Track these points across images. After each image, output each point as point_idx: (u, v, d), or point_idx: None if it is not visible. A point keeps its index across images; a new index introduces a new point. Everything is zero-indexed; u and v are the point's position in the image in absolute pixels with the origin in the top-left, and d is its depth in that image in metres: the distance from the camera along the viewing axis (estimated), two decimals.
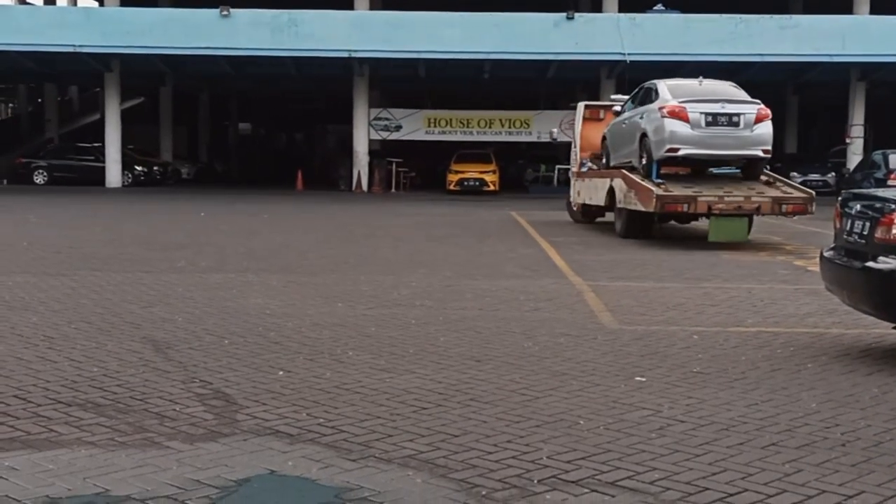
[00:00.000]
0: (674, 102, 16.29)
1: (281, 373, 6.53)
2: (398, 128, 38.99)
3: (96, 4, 45.92)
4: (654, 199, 15.66)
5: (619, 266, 13.11)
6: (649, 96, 17.26)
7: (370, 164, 37.46)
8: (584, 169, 20.31)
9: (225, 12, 34.06)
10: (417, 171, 40.58)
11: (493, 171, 37.28)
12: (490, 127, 39.35)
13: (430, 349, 7.35)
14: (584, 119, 21.17)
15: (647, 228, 17.14)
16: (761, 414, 5.63)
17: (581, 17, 34.80)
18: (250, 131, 58.22)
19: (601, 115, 20.84)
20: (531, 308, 9.42)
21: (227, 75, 40.77)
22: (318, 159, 50.60)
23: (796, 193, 16.62)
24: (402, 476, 4.51)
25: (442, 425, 5.33)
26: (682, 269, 12.78)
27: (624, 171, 17.24)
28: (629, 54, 33.61)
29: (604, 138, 19.57)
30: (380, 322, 8.48)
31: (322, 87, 44.23)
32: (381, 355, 7.11)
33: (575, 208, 21.28)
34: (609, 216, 19.03)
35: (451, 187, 36.55)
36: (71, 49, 34.55)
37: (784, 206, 16.17)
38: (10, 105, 61.25)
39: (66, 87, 53.07)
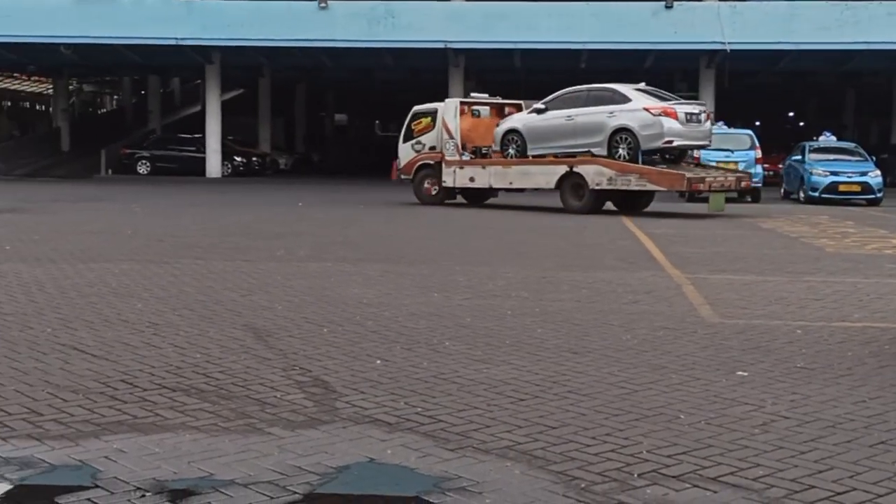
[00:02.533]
0: (662, 104, 20.20)
1: (378, 362, 6.58)
2: None
3: None
4: (686, 181, 20.05)
5: (718, 259, 12.88)
6: (610, 99, 20.61)
7: None
8: (465, 157, 23.10)
9: (323, 4, 34.42)
10: None
11: None
12: None
13: (527, 340, 7.32)
14: (461, 114, 23.40)
15: (600, 205, 21.05)
16: (869, 411, 5.47)
17: (680, 6, 34.23)
18: (346, 122, 58.82)
19: (479, 113, 23.81)
20: (629, 300, 9.31)
21: (325, 66, 41.24)
22: None
23: (740, 173, 22.46)
24: (500, 467, 4.49)
25: (540, 417, 5.30)
26: (785, 263, 12.51)
27: (602, 159, 20.40)
28: (730, 43, 32.99)
29: (511, 132, 22.00)
30: (476, 313, 8.48)
31: (417, 78, 44.41)
32: (478, 346, 7.11)
33: (431, 191, 23.56)
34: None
35: None
36: (173, 42, 35.33)
37: (742, 183, 21.65)
38: (115, 97, 62.92)
39: (168, 80, 54.33)
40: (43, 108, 56.92)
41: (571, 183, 20.97)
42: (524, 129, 21.87)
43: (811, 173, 26.76)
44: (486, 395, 5.75)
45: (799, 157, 28.19)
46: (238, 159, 40.19)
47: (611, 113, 20.35)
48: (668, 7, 33.84)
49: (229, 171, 39.21)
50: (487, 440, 4.88)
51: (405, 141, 24.35)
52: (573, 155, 20.98)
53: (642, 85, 21.68)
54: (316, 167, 47.35)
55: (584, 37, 33.86)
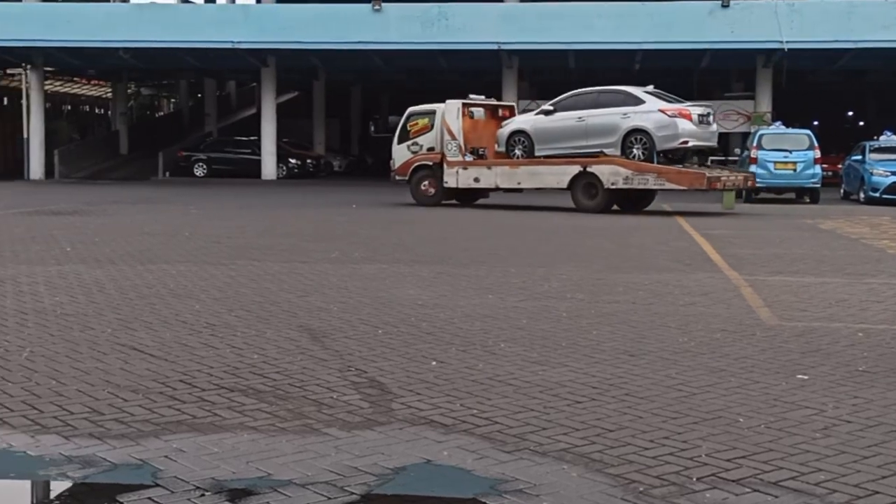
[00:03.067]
0: (677, 106, 21.10)
1: (434, 363, 6.58)
2: None
3: (254, 1, 47.26)
4: (706, 179, 20.72)
5: (776, 260, 12.71)
6: (622, 101, 21.30)
7: None
8: (467, 158, 23.31)
9: (377, 7, 34.56)
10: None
11: None
12: None
13: (583, 342, 7.29)
14: (463, 116, 23.55)
15: (611, 204, 21.62)
16: None
17: (737, 4, 33.83)
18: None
19: (474, 114, 23.95)
20: (686, 302, 9.22)
21: (378, 69, 41.38)
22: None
23: (746, 173, 23.42)
24: (557, 469, 4.47)
25: (597, 420, 5.27)
26: (844, 265, 12.31)
27: (619, 158, 20.92)
28: (787, 42, 32.55)
29: (518, 133, 22.39)
30: (531, 314, 8.45)
31: (471, 80, 44.39)
32: (534, 348, 7.08)
33: (428, 192, 23.67)
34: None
35: None
36: (230, 45, 35.66)
37: (748, 182, 22.80)
38: (172, 100, 63.69)
39: (224, 83, 54.85)
40: (102, 111, 57.80)
41: (584, 182, 21.47)
42: (532, 130, 22.30)
43: (871, 173, 26.33)
44: (542, 397, 5.73)
45: (859, 157, 27.75)
46: (293, 161, 40.48)
47: (624, 114, 21.03)
48: (725, 6, 33.46)
49: (284, 173, 39.49)
50: (544, 442, 4.86)
51: (400, 142, 24.39)
52: (584, 155, 21.46)
53: (651, 87, 22.07)
54: (370, 169, 47.55)
55: (640, 37, 33.61)
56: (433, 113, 24.09)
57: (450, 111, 23.51)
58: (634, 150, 20.86)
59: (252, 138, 41.20)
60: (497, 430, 5.08)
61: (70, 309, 8.54)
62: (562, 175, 21.80)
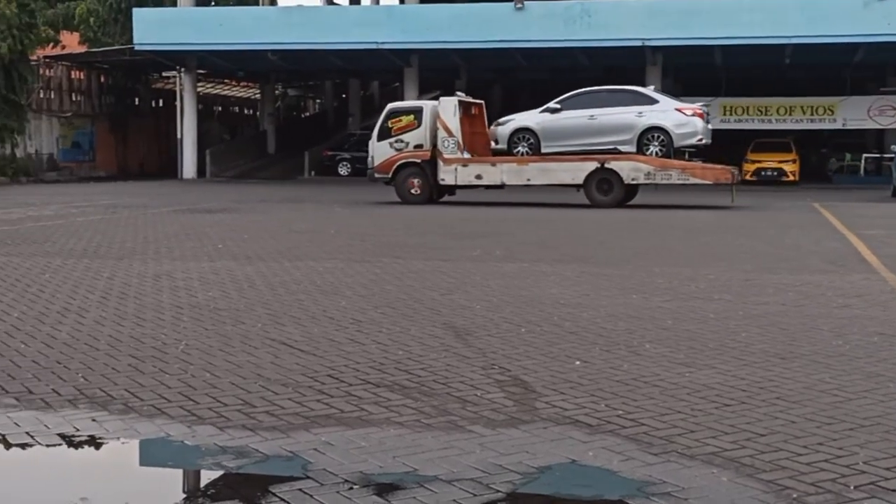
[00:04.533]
0: (692, 105, 22.59)
1: (578, 363, 6.53)
2: None
3: (397, 2, 47.86)
4: (731, 174, 22.30)
5: None
6: (634, 100, 22.26)
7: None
8: (465, 155, 23.55)
9: (519, 5, 34.55)
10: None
11: (793, 161, 35.69)
12: (790, 114, 37.65)
13: (731, 344, 7.11)
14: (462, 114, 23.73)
15: (626, 199, 22.49)
16: None
17: None
18: None
19: (472, 111, 24.50)
20: (839, 304, 8.90)
21: (520, 67, 41.38)
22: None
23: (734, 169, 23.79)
24: (706, 473, 4.38)
25: (747, 423, 5.13)
26: None
27: (640, 155, 21.81)
28: None
29: (522, 130, 22.86)
30: (676, 315, 8.30)
31: (613, 77, 43.92)
32: (680, 349, 6.96)
33: (414, 190, 23.71)
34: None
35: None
36: (374, 46, 36.23)
37: (739, 176, 23.91)
38: (318, 101, 65.03)
39: (368, 83, 55.74)
40: (251, 112, 59.52)
41: (598, 178, 22.17)
42: (539, 127, 22.77)
43: None
44: (689, 399, 5.62)
45: None
46: None
47: (639, 113, 21.99)
48: None
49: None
50: (692, 445, 4.77)
51: (381, 139, 24.12)
52: (598, 152, 22.24)
53: (653, 87, 23.30)
54: None
55: (790, 31, 32.65)
56: (420, 110, 24.15)
57: (446, 109, 23.56)
58: (652, 148, 21.80)
59: None
60: (643, 431, 5.01)
61: (222, 304, 8.82)
62: (577, 171, 22.29)
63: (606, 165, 22.01)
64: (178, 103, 41.62)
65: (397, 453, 4.67)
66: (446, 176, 23.51)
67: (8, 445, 4.92)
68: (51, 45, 42.69)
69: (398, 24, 36.28)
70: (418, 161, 23.77)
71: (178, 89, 41.90)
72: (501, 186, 23.52)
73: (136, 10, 38.86)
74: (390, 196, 24.02)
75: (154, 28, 37.63)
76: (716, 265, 11.72)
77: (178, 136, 41.05)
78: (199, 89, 43.22)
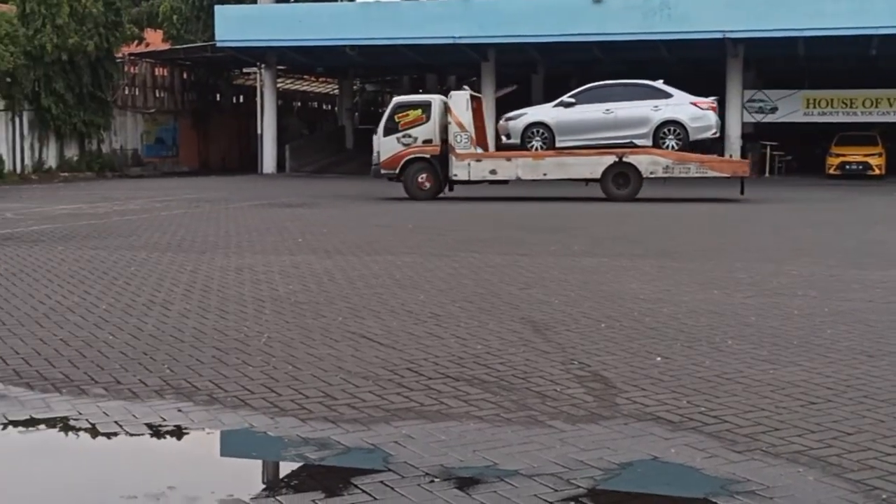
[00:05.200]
0: (706, 99, 22.52)
1: (658, 359, 6.47)
2: (773, 110, 37.44)
3: None
4: (748, 167, 23.27)
5: None
6: (649, 94, 22.39)
7: (742, 148, 36.26)
8: (478, 150, 23.37)
9: None
10: (793, 154, 38.76)
11: (879, 154, 34.86)
12: (876, 106, 36.76)
13: (816, 341, 6.98)
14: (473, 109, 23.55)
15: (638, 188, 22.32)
16: None
17: None
18: None
19: (473, 105, 23.85)
20: None
21: (597, 60, 41.01)
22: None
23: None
24: (792, 472, 4.30)
25: (833, 422, 5.03)
26: None
27: (657, 149, 21.96)
28: None
29: (536, 125, 22.79)
30: (759, 311, 8.17)
31: (692, 70, 43.37)
32: (763, 345, 6.85)
33: (424, 185, 23.26)
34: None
35: (831, 171, 34.61)
36: (451, 41, 36.24)
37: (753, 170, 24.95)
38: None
39: (445, 78, 55.80)
40: (329, 107, 60.02)
41: (615, 172, 22.22)
42: (553, 122, 22.75)
43: None
44: (773, 396, 5.53)
45: None
46: None
47: (655, 107, 22.19)
48: None
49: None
50: (777, 443, 4.69)
51: (387, 134, 23.56)
52: (614, 146, 22.24)
53: (661, 81, 23.04)
54: None
55: (876, 21, 31.83)
56: (428, 104, 23.75)
57: (458, 103, 23.19)
58: (668, 141, 22.06)
59: None
60: (726, 428, 4.94)
61: (303, 297, 8.92)
62: (595, 166, 22.31)
63: (625, 159, 22.11)
64: (258, 99, 42.13)
65: (477, 447, 4.67)
66: (459, 171, 23.17)
67: (98, 434, 5.04)
68: (135, 42, 43.53)
69: (475, 18, 36.21)
70: (427, 156, 23.37)
71: (258, 85, 42.41)
72: (506, 182, 23.47)
73: (217, 8, 39.41)
74: (466, 192, 24.00)
75: (235, 25, 38.14)
76: (799, 260, 11.51)
77: (259, 131, 41.56)
78: (278, 85, 43.68)
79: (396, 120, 23.56)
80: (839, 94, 37.41)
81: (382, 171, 23.82)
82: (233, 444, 4.99)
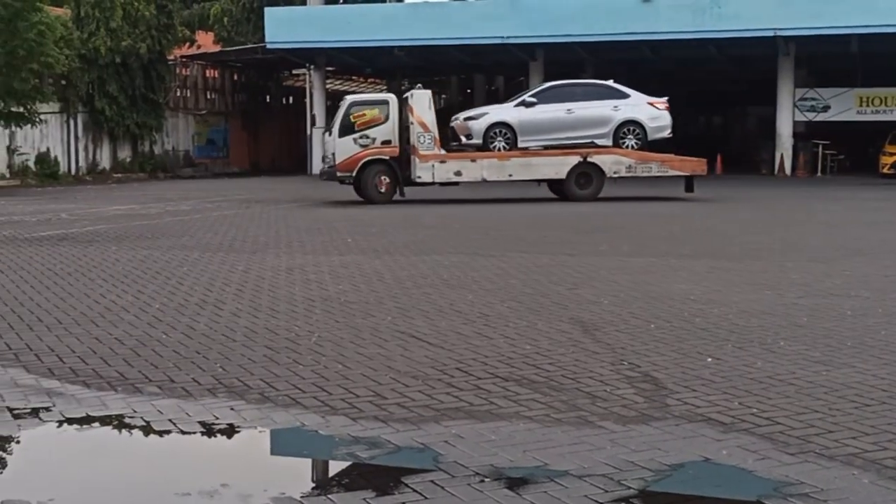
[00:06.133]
0: (661, 99, 22.63)
1: (709, 360, 6.43)
2: (826, 108, 36.91)
3: None
4: (705, 166, 23.16)
5: None
6: (608, 94, 22.45)
7: (794, 147, 35.84)
8: (441, 151, 22.33)
9: None
10: (845, 153, 38.22)
11: None
12: None
13: (870, 342, 6.89)
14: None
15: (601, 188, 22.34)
16: None
17: None
18: None
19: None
20: None
21: (646, 60, 40.77)
22: (737, 142, 49.25)
23: None
24: (846, 474, 4.26)
25: (888, 424, 4.97)
26: None
27: (619, 149, 22.02)
28: None
29: (499, 125, 22.15)
30: (812, 312, 8.09)
31: (742, 68, 42.93)
32: (816, 347, 6.77)
33: (381, 188, 22.08)
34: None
35: (885, 170, 34.06)
36: (499, 41, 36.22)
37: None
38: (443, 96, 65.39)
39: (493, 78, 55.77)
40: None
41: (578, 172, 22.05)
42: (516, 122, 22.27)
43: None
44: (826, 398, 5.47)
45: None
46: None
47: (615, 106, 22.18)
48: None
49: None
50: (830, 446, 4.64)
51: (343, 135, 22.10)
52: (577, 146, 22.11)
53: (611, 81, 23.20)
54: None
55: None
56: (385, 103, 22.62)
57: (420, 102, 22.21)
58: (628, 141, 22.08)
59: None
60: (779, 430, 4.90)
61: (352, 297, 8.97)
62: (560, 166, 22.06)
63: (589, 159, 21.99)
64: (307, 100, 42.41)
65: (527, 447, 4.68)
66: (423, 173, 22.13)
67: (152, 432, 5.12)
68: (187, 44, 44.05)
69: (523, 17, 36.15)
70: (386, 158, 22.15)
71: (307, 86, 42.69)
72: (456, 184, 22.61)
73: (267, 10, 39.72)
74: (515, 191, 23.93)
75: (285, 27, 38.40)
76: (852, 260, 11.37)
77: (308, 132, 41.84)
78: (327, 86, 43.92)
79: (352, 120, 22.19)
80: (893, 92, 36.82)
81: (339, 174, 22.36)
82: (284, 443, 5.05)
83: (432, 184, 22.45)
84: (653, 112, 22.39)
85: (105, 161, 38.02)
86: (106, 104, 36.46)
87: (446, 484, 4.20)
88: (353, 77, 53.85)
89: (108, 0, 35.49)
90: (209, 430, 5.14)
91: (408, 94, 22.86)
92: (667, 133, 22.44)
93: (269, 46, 39.00)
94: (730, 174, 34.64)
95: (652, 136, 22.26)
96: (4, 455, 4.96)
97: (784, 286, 9.47)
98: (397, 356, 6.58)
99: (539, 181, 22.79)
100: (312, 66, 41.66)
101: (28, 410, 5.47)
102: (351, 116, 22.22)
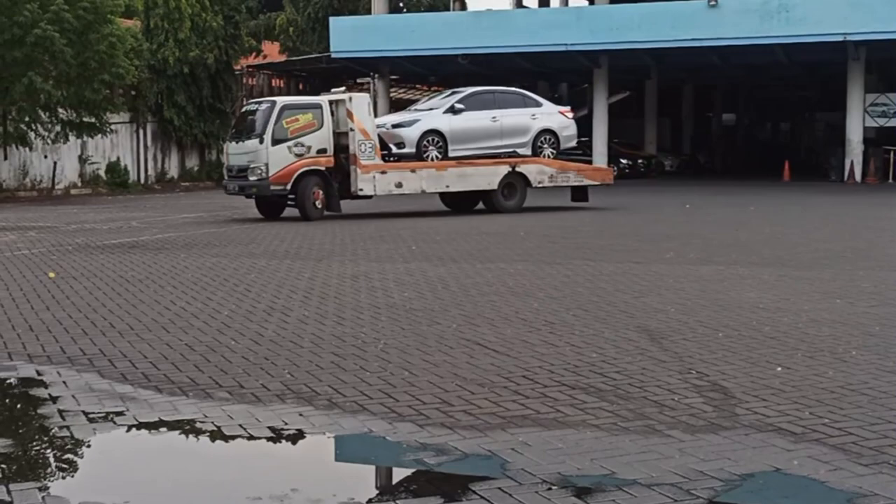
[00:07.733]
0: (566, 109, 23.18)
1: (779, 369, 6.35)
2: None
3: (587, 3, 47.58)
4: (612, 176, 23.91)
5: None
6: (521, 102, 22.01)
7: (864, 153, 35.20)
8: (379, 161, 20.48)
9: (713, 2, 33.70)
10: None
11: None
12: None
13: None
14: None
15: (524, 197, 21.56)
16: None
17: None
18: (734, 122, 57.30)
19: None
20: None
21: (712, 65, 40.37)
22: (806, 149, 48.56)
23: None
24: None
25: None
26: None
27: (543, 158, 21.52)
28: None
29: (431, 133, 20.82)
30: (884, 321, 7.94)
31: (811, 73, 42.35)
32: (889, 356, 6.66)
33: (317, 202, 19.81)
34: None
35: None
36: (563, 48, 36.11)
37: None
38: None
39: (556, 85, 55.63)
40: None
41: (506, 182, 21.23)
42: (447, 130, 21.05)
43: None
44: None
45: None
46: (624, 161, 40.38)
47: (532, 115, 21.73)
48: None
49: (615, 172, 39.45)
50: None
51: (276, 143, 19.58)
52: (498, 156, 21.40)
53: (516, 87, 23.17)
54: (702, 168, 46.52)
55: None
56: (318, 107, 20.23)
57: (359, 107, 20.27)
58: (545, 150, 21.68)
59: (583, 139, 41.40)
60: (852, 441, 4.83)
61: (418, 304, 9.01)
62: (492, 176, 21.16)
63: (517, 169, 21.25)
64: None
65: (595, 455, 4.67)
66: (364, 185, 20.13)
67: (223, 437, 5.19)
68: (253, 54, 44.59)
69: (587, 24, 36.03)
70: (322, 168, 19.88)
71: (371, 95, 43.01)
72: (370, 197, 20.64)
73: (332, 19, 40.06)
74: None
75: (349, 36, 38.71)
76: None
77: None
78: (391, 94, 44.19)
79: (286, 126, 19.80)
80: None
81: (272, 188, 19.74)
82: (352, 448, 5.09)
83: (371, 197, 20.66)
84: (564, 121, 22.24)
85: (173, 170, 38.61)
86: (174, 114, 37.04)
87: (514, 491, 4.20)
88: (417, 85, 54.11)
89: (176, 12, 36.07)
90: (278, 436, 5.20)
91: (344, 98, 20.69)
92: (574, 142, 22.71)
93: (333, 55, 39.32)
94: (798, 181, 34.17)
95: (564, 145, 22.13)
96: (80, 458, 5.07)
97: (855, 295, 9.32)
98: (463, 363, 6.60)
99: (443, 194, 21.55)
100: (376, 75, 41.93)
101: (102, 414, 5.58)
102: (284, 122, 19.86)
